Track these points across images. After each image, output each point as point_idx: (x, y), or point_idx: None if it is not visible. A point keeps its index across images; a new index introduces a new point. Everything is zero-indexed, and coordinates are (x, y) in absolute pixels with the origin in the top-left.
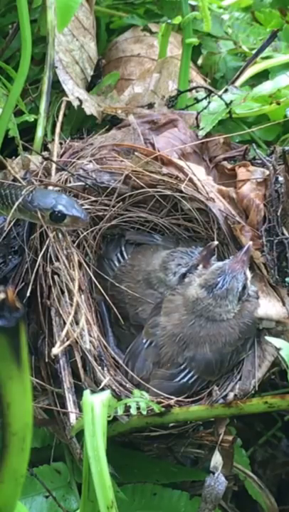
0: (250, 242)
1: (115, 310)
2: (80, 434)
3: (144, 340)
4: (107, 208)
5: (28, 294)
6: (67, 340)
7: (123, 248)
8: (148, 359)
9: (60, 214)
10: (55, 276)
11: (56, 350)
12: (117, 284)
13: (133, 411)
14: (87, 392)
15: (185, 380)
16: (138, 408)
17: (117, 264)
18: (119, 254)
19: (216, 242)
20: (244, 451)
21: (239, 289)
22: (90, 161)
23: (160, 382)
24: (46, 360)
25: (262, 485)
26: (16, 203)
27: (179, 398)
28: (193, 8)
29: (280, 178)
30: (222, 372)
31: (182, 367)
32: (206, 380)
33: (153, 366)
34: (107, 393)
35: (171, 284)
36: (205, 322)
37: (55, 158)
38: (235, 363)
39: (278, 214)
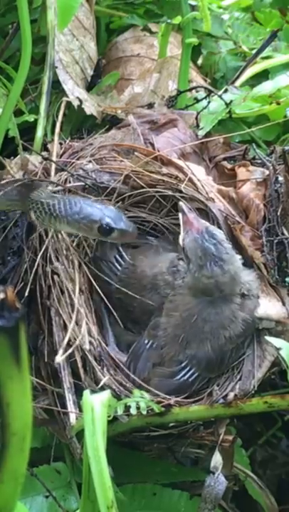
0: (180, 203)
1: (114, 313)
2: (80, 434)
3: (146, 341)
4: None
5: (27, 294)
6: (70, 347)
7: (120, 249)
8: (150, 360)
9: (109, 227)
10: (55, 277)
11: (59, 358)
12: (125, 290)
13: (133, 411)
14: (87, 392)
15: (185, 377)
16: (138, 408)
17: (117, 265)
18: (118, 256)
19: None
20: (244, 451)
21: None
22: (90, 161)
23: (160, 380)
24: (46, 360)
25: (262, 485)
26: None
27: (179, 398)
28: (193, 8)
29: (280, 178)
30: (221, 369)
31: (183, 365)
32: (206, 378)
33: (154, 367)
34: (107, 393)
35: (176, 286)
36: (212, 308)
37: (54, 158)
38: (233, 360)
39: (278, 214)
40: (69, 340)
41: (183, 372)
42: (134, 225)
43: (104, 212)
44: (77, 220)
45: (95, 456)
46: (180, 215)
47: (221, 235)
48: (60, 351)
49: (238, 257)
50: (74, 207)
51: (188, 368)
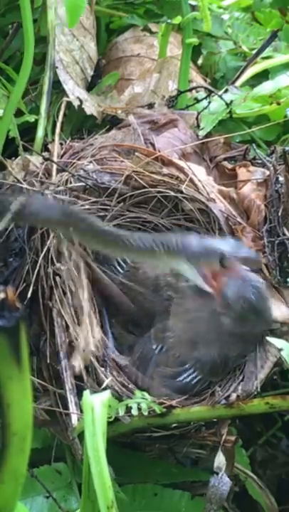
0: None
1: (116, 316)
2: (82, 435)
3: (155, 346)
4: (108, 208)
5: (29, 295)
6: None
7: None
8: (160, 365)
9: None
10: (57, 278)
11: (78, 365)
12: (132, 289)
13: (134, 412)
14: (87, 393)
15: (188, 379)
16: (139, 409)
17: (118, 268)
18: (119, 259)
19: None
20: (244, 451)
21: None
22: (91, 162)
23: (162, 381)
24: (48, 361)
25: (262, 485)
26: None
27: (181, 399)
28: (193, 8)
29: (281, 178)
30: (225, 373)
31: (187, 366)
32: (208, 381)
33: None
34: (107, 393)
35: (179, 289)
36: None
37: (55, 159)
38: (236, 364)
39: (279, 214)
40: (71, 341)
41: (186, 374)
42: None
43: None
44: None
45: (95, 457)
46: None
47: (262, 285)
48: (78, 358)
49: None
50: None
51: (191, 371)
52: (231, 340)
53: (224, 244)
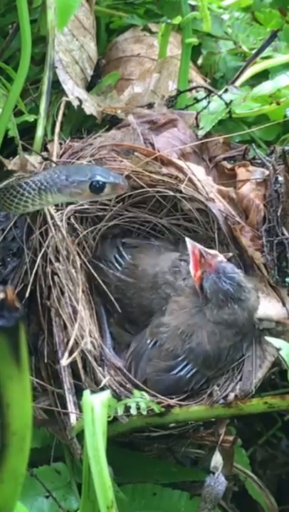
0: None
1: (113, 314)
2: (81, 435)
3: (149, 341)
4: (107, 207)
5: (27, 295)
6: (73, 349)
7: (121, 248)
8: (153, 359)
9: (99, 184)
10: (55, 277)
11: (64, 362)
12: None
13: (133, 411)
14: (87, 392)
15: (182, 373)
16: (138, 408)
17: (117, 265)
18: (117, 255)
19: (230, 254)
20: (244, 451)
21: None
22: (90, 161)
23: (156, 375)
24: (46, 360)
25: (262, 485)
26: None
27: (180, 398)
28: (193, 8)
29: (280, 178)
30: (219, 367)
31: (180, 359)
32: (204, 376)
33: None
34: (107, 393)
35: (177, 287)
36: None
37: (54, 159)
38: (231, 359)
39: (278, 214)
40: (69, 341)
41: (180, 367)
42: (123, 176)
43: (92, 171)
44: (67, 185)
45: (95, 456)
46: (190, 253)
47: (238, 276)
48: (66, 354)
49: (254, 293)
50: (60, 174)
51: (185, 363)
52: (220, 330)
53: (92, 172)
